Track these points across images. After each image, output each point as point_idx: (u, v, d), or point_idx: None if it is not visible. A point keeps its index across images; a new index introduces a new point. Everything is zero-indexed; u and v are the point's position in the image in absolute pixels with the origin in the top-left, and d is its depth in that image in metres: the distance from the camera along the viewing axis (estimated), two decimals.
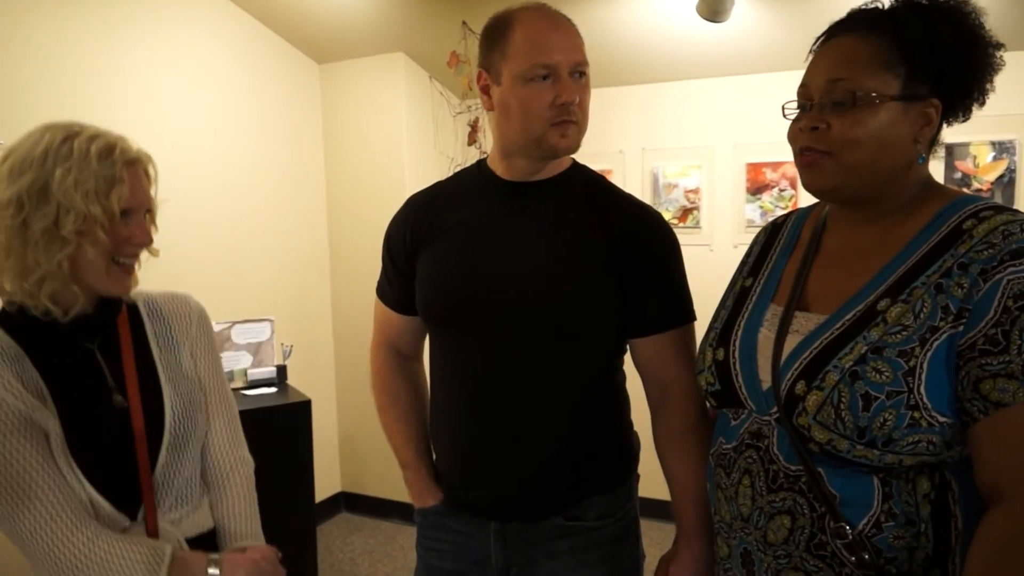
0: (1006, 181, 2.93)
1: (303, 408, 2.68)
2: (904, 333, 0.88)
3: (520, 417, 1.21)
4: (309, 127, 3.57)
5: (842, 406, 0.88)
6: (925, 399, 0.85)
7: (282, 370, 2.95)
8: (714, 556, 1.11)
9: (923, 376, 0.85)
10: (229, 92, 3.12)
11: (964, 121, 0.99)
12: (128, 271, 1.20)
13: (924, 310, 0.88)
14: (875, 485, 0.89)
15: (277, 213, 3.39)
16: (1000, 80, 0.95)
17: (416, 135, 3.49)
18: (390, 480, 3.61)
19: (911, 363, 0.86)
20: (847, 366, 0.89)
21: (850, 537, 0.89)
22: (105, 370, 1.19)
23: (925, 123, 0.94)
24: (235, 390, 2.84)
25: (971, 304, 0.85)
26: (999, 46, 0.94)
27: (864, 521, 0.90)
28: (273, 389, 2.84)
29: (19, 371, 1.08)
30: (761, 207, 3.29)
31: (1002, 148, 2.92)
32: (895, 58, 0.92)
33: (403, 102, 3.42)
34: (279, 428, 2.62)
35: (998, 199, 2.89)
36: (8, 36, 2.31)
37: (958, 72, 0.93)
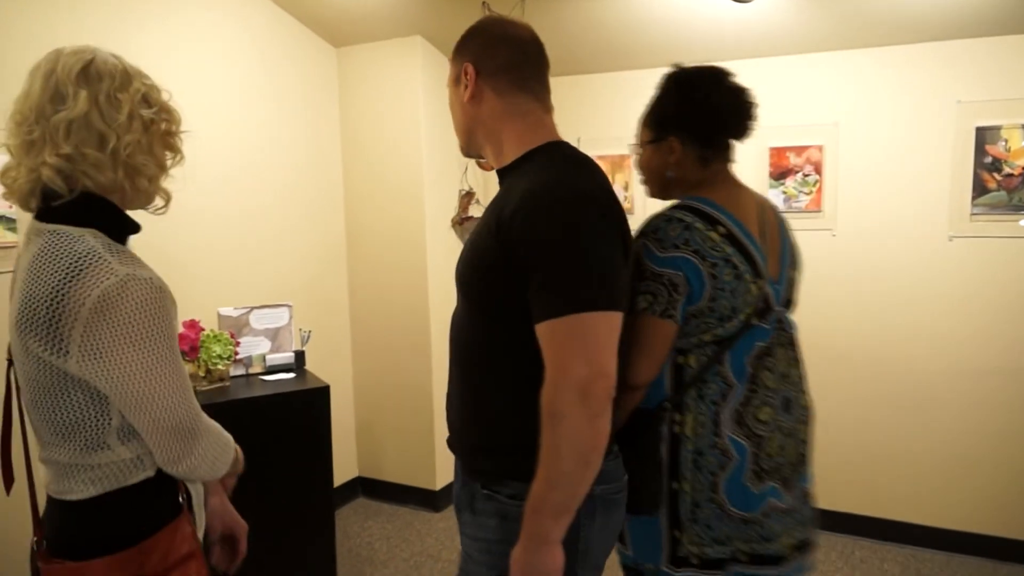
0: None
1: (322, 394, 2.67)
2: None
3: (453, 380, 1.35)
4: (326, 112, 3.55)
5: None
6: None
7: (300, 356, 2.95)
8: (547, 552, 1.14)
9: None
10: (244, 76, 3.11)
11: (725, 139, 1.52)
12: None
13: None
14: None
15: (294, 198, 3.39)
16: None
17: (434, 119, 3.45)
18: (407, 466, 3.62)
19: None
20: None
21: None
22: None
23: (670, 152, 1.52)
24: (254, 375, 2.84)
25: None
26: (710, 100, 1.50)
27: None
28: (291, 375, 2.84)
29: None
30: (785, 192, 3.23)
31: None
32: (650, 119, 1.57)
33: (420, 86, 3.38)
34: (298, 414, 2.62)
35: None
36: (15, 20, 2.30)
37: (685, 121, 1.50)
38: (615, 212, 1.20)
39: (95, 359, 1.04)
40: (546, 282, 1.13)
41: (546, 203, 1.15)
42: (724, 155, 1.53)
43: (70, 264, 1.03)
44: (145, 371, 1.06)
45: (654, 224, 1.43)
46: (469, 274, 1.26)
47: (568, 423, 1.10)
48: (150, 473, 1.14)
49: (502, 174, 1.32)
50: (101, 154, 1.08)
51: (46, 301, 1.02)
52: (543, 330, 1.13)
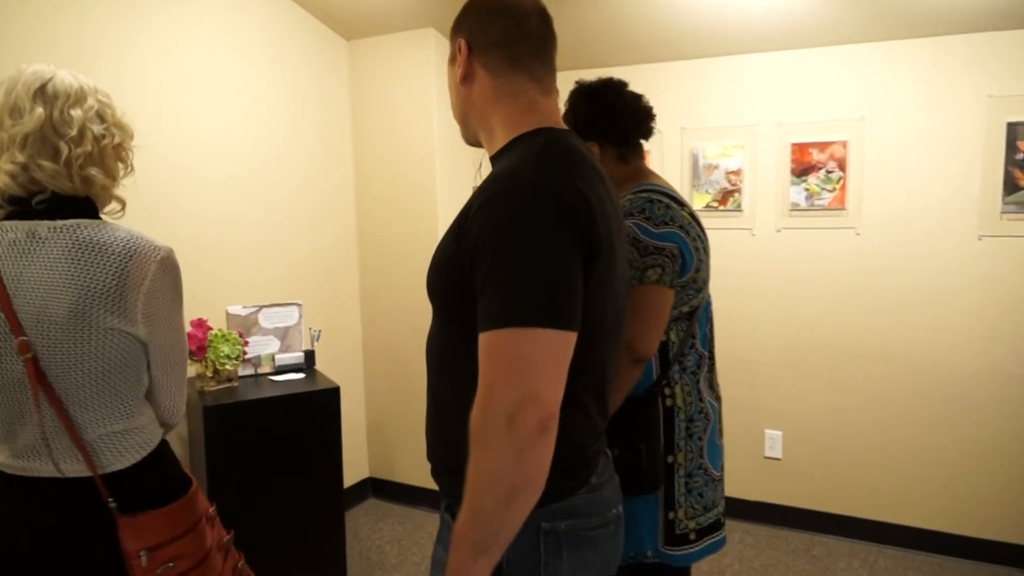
0: None
1: (332, 395, 2.62)
2: None
3: (428, 395, 1.20)
4: (337, 106, 3.49)
5: None
6: None
7: (310, 355, 2.89)
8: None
9: None
10: (254, 70, 3.05)
11: (637, 138, 1.73)
12: None
13: None
14: None
15: (305, 195, 3.33)
16: None
17: (447, 114, 3.39)
18: (418, 467, 3.56)
19: None
20: None
21: None
22: None
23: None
24: (263, 376, 2.79)
25: None
26: (616, 105, 1.69)
27: None
28: (301, 375, 2.78)
29: None
30: (807, 189, 3.15)
31: None
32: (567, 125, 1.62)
33: (433, 80, 3.32)
34: (307, 414, 2.56)
35: None
36: (15, 14, 2.25)
37: (598, 127, 1.67)
38: (582, 217, 1.00)
39: (152, 321, 1.26)
40: (484, 288, 0.98)
41: (497, 198, 1.00)
42: (639, 152, 1.74)
43: (122, 248, 1.22)
44: (180, 328, 1.33)
45: (639, 205, 1.57)
46: (434, 280, 1.12)
47: (491, 455, 0.95)
48: (162, 429, 1.36)
49: (492, 164, 1.18)
50: (56, 165, 1.22)
51: (114, 280, 1.20)
52: (480, 342, 0.98)
